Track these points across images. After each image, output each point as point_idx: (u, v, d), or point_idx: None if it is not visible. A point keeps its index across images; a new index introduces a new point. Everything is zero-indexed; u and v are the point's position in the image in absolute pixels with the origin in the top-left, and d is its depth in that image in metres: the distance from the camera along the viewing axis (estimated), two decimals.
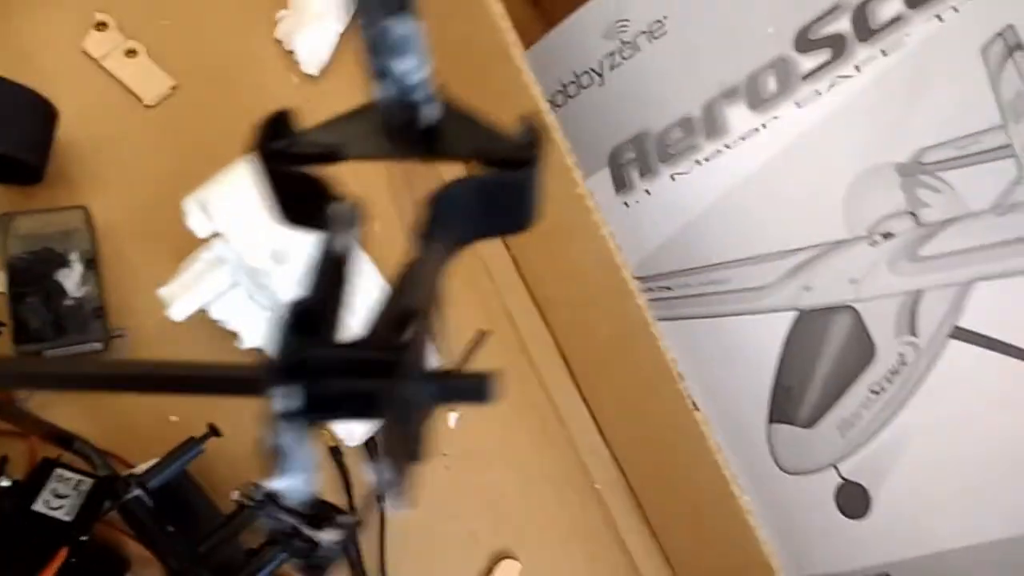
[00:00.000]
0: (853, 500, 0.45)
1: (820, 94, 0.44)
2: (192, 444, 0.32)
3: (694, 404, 0.39)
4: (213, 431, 0.33)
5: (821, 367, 0.45)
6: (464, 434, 0.44)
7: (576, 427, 0.46)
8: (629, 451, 0.46)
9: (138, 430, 0.38)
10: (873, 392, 0.44)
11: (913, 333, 0.43)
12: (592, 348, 0.45)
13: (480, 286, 0.47)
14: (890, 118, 0.42)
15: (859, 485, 0.45)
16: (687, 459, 0.39)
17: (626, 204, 0.49)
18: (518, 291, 0.48)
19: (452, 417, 0.44)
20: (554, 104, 0.51)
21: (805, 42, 0.44)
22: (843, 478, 0.45)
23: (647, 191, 0.48)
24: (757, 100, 0.45)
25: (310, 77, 0.46)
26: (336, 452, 0.40)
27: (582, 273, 0.42)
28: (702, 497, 0.39)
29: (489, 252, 0.48)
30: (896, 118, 0.42)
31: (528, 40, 0.51)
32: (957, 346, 0.41)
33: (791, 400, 0.46)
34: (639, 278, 0.50)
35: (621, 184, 0.49)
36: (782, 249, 0.46)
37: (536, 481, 0.45)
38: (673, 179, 0.48)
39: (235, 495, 0.38)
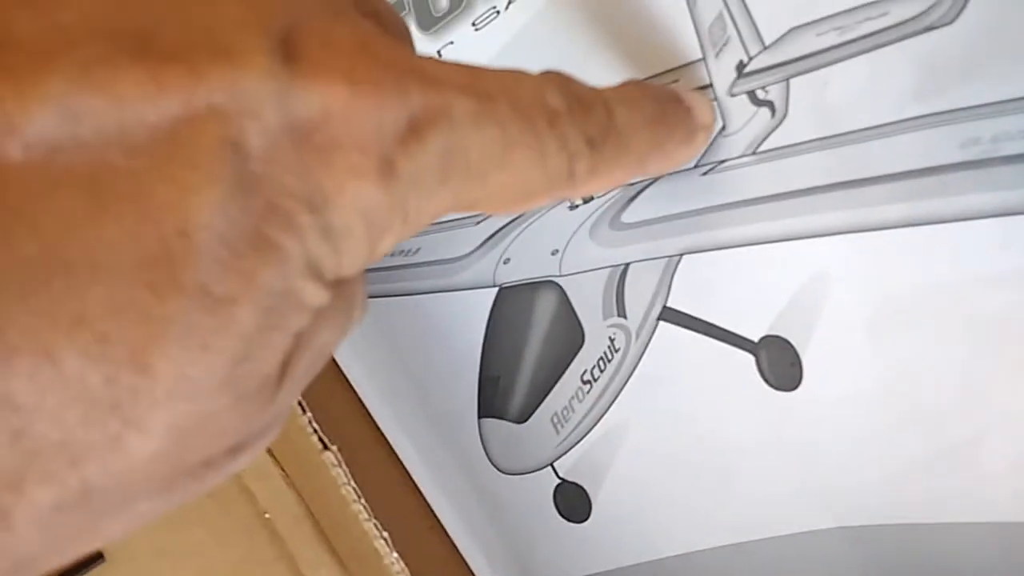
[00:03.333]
0: (573, 502, 0.39)
1: (499, 12, 0.34)
2: None
3: (324, 443, 0.30)
4: None
5: (529, 354, 0.38)
6: None
7: None
8: (299, 472, 0.37)
9: None
10: (585, 382, 0.37)
11: (622, 314, 0.35)
12: None
13: None
14: (573, 52, 0.33)
15: (578, 486, 0.38)
16: (331, 501, 0.31)
17: None
18: None
19: None
20: None
21: None
22: (561, 478, 0.39)
23: None
24: (428, 19, 0.35)
25: None
26: None
27: None
28: (353, 545, 0.31)
29: None
30: (580, 53, 0.32)
31: None
32: (667, 329, 0.34)
33: (500, 392, 0.39)
34: None
35: None
36: (474, 213, 0.37)
37: (179, 518, 0.36)
38: None
39: None
